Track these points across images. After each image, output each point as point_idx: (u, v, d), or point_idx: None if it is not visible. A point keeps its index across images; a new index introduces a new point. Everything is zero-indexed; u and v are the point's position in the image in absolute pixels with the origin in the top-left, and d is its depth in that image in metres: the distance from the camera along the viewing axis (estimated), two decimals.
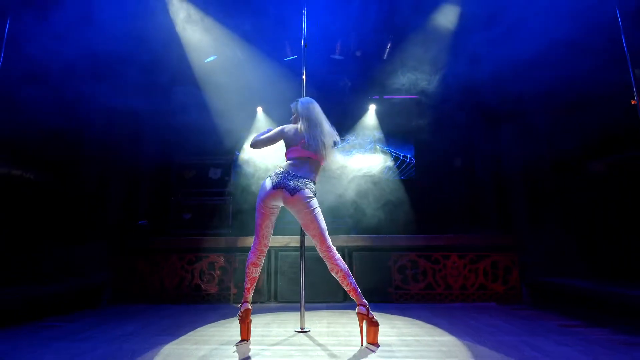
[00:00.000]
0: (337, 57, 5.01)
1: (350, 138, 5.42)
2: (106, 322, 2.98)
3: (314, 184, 2.39)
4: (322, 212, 2.34)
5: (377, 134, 5.49)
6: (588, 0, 3.43)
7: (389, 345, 2.25)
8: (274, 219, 2.41)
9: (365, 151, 5.44)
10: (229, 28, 4.59)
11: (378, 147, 5.51)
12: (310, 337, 2.47)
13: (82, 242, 4.25)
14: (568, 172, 4.29)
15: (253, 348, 2.21)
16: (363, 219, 4.74)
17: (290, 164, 2.40)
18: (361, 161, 5.30)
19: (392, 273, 3.91)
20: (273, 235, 2.46)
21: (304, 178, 2.33)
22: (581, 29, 3.43)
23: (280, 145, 2.58)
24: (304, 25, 3.22)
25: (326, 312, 3.34)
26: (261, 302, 3.88)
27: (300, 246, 2.86)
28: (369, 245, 4.00)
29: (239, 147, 5.19)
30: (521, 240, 4.07)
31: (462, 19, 4.43)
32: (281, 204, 2.36)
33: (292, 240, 3.98)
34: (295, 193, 2.27)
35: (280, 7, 4.18)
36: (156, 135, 5.04)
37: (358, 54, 5.09)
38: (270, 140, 2.53)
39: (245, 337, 2.29)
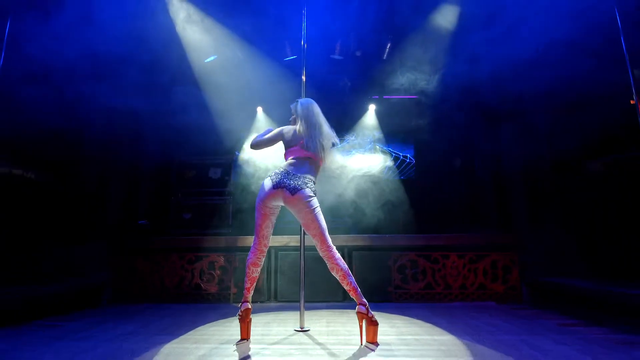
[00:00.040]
0: (336, 57, 5.02)
1: (350, 138, 5.42)
2: (106, 321, 2.98)
3: (314, 183, 2.39)
4: (322, 211, 2.34)
5: (377, 133, 5.49)
6: (587, 0, 3.43)
7: (389, 344, 2.26)
8: (274, 219, 2.41)
9: (365, 151, 5.44)
10: (229, 28, 4.60)
11: (378, 147, 5.51)
12: (310, 336, 2.48)
13: (82, 242, 4.25)
14: (568, 171, 4.29)
15: (253, 347, 2.22)
16: (363, 219, 4.74)
17: (289, 164, 2.41)
18: (361, 161, 5.30)
19: (392, 272, 3.91)
20: (273, 234, 2.46)
21: (304, 177, 2.33)
22: (581, 29, 3.43)
23: (281, 144, 2.59)
24: (304, 25, 3.23)
25: (326, 312, 3.35)
26: (261, 302, 3.88)
27: (300, 246, 2.87)
28: (368, 245, 4.00)
29: (239, 147, 5.20)
30: (521, 240, 4.07)
31: (462, 19, 4.44)
32: (281, 203, 2.36)
33: (291, 240, 3.99)
34: (295, 192, 2.27)
35: (280, 7, 4.19)
36: (156, 135, 5.04)
37: (358, 54, 5.10)
38: (270, 142, 2.54)
39: (245, 336, 2.29)
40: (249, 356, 2.05)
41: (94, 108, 4.39)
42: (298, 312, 2.78)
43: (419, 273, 3.91)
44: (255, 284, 2.38)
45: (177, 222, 4.79)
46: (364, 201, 4.66)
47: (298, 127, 2.47)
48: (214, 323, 2.92)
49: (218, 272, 3.99)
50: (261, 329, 2.70)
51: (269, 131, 2.60)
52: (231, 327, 2.74)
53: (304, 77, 3.09)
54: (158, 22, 4.20)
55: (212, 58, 4.86)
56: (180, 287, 3.99)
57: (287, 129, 2.54)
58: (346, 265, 2.27)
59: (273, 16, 4.35)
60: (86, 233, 4.35)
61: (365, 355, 2.05)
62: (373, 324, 2.19)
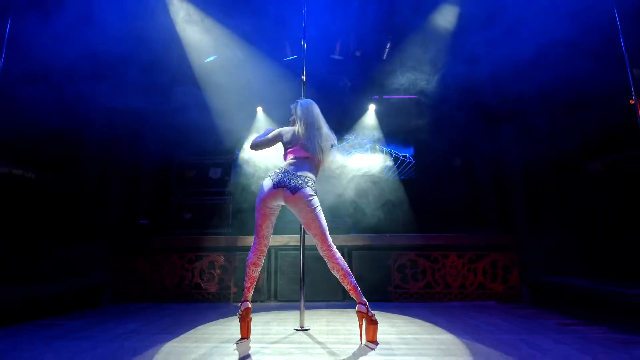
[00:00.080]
0: (336, 57, 5.03)
1: (350, 138, 5.42)
2: (107, 321, 2.98)
3: (314, 182, 2.40)
4: (322, 211, 2.34)
5: (377, 133, 5.50)
6: (587, 0, 3.44)
7: (388, 343, 2.26)
8: (274, 219, 2.41)
9: (364, 151, 5.45)
10: (229, 28, 4.61)
11: (378, 146, 5.52)
12: (310, 336, 2.48)
13: (82, 242, 4.26)
14: (568, 172, 4.29)
15: (253, 346, 2.22)
16: (363, 219, 4.75)
17: (289, 164, 2.41)
18: (361, 161, 5.30)
19: (392, 272, 3.92)
20: (273, 234, 2.46)
21: (304, 176, 2.34)
22: (580, 29, 3.44)
23: (280, 145, 2.60)
24: (304, 25, 3.23)
25: (326, 311, 3.35)
26: (261, 301, 3.89)
27: (300, 245, 2.87)
28: (368, 245, 4.01)
29: (239, 147, 5.20)
30: (521, 240, 4.07)
31: (461, 19, 4.45)
32: (282, 203, 2.36)
33: (291, 240, 3.99)
34: (296, 192, 2.27)
35: (280, 7, 4.19)
36: (156, 135, 5.05)
37: (358, 54, 5.10)
38: (269, 143, 2.56)
39: (245, 335, 2.30)
40: (249, 355, 2.05)
41: (94, 108, 4.40)
42: (298, 312, 2.78)
43: (419, 273, 3.91)
44: (255, 283, 2.38)
45: (177, 222, 4.80)
46: (363, 201, 4.66)
47: (297, 128, 2.48)
48: (214, 322, 2.92)
49: (218, 271, 3.99)
50: (261, 328, 2.70)
51: (269, 131, 2.61)
52: (231, 326, 2.74)
53: (304, 77, 3.10)
54: (158, 22, 4.21)
55: (212, 58, 4.86)
56: (181, 287, 3.99)
57: (286, 130, 2.55)
58: (347, 265, 2.28)
59: (273, 16, 4.36)
60: (86, 233, 4.35)
61: (365, 354, 2.06)
62: (373, 323, 2.19)
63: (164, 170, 5.13)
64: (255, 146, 2.57)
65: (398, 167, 5.54)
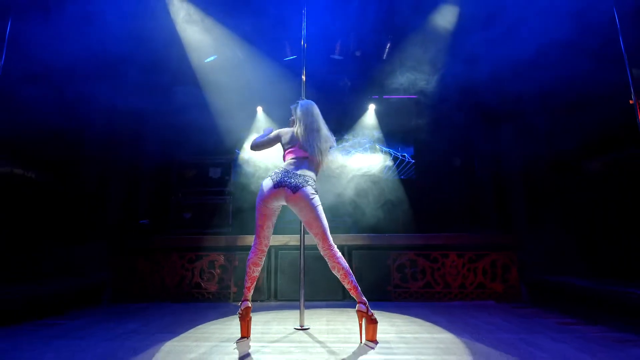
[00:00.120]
0: (336, 57, 5.03)
1: (350, 137, 5.43)
2: (107, 320, 2.99)
3: (315, 181, 2.40)
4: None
5: (377, 133, 5.50)
6: (587, 0, 3.45)
7: (388, 342, 2.27)
8: (274, 219, 2.42)
9: (364, 151, 5.45)
10: (229, 28, 4.61)
11: (377, 146, 5.52)
12: (310, 335, 2.49)
13: (82, 242, 4.26)
14: (568, 171, 4.30)
15: (253, 345, 2.23)
16: (362, 218, 4.76)
17: (289, 164, 2.42)
18: (361, 161, 5.31)
19: (391, 272, 3.92)
20: (273, 234, 2.47)
21: (305, 176, 2.34)
22: (580, 29, 3.44)
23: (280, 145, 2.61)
24: (304, 25, 3.24)
25: (325, 310, 3.35)
26: (261, 301, 3.89)
27: (300, 245, 2.87)
28: (368, 244, 4.01)
29: (239, 147, 5.21)
30: (521, 240, 4.08)
31: (461, 19, 4.45)
32: (283, 202, 2.36)
33: (291, 239, 3.99)
34: (297, 190, 2.28)
35: (280, 7, 4.20)
36: (156, 135, 5.06)
37: (357, 54, 5.11)
38: (268, 143, 2.59)
39: (245, 334, 2.31)
40: (249, 354, 2.06)
41: (94, 108, 4.40)
42: (298, 311, 2.79)
43: (419, 272, 3.92)
44: (255, 283, 2.39)
45: (177, 222, 4.80)
46: (363, 201, 4.67)
47: (296, 129, 2.49)
48: (215, 321, 2.93)
49: (218, 271, 4.00)
50: (261, 327, 2.70)
51: (268, 131, 2.63)
52: (231, 326, 2.75)
53: (304, 77, 3.10)
54: (158, 22, 4.21)
55: (212, 58, 4.87)
56: (181, 287, 3.99)
57: (285, 131, 2.57)
58: (347, 264, 2.28)
59: (273, 16, 4.36)
60: (86, 233, 4.36)
61: (364, 353, 2.06)
62: (373, 322, 2.20)
63: (164, 170, 5.13)
64: (255, 147, 2.60)
65: (398, 167, 5.55)
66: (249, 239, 3.98)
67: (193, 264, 4.03)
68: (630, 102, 3.14)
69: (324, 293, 3.82)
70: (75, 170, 4.45)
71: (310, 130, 2.46)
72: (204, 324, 2.83)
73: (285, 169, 2.38)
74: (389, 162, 5.48)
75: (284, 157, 2.53)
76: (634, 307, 2.75)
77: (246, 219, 4.75)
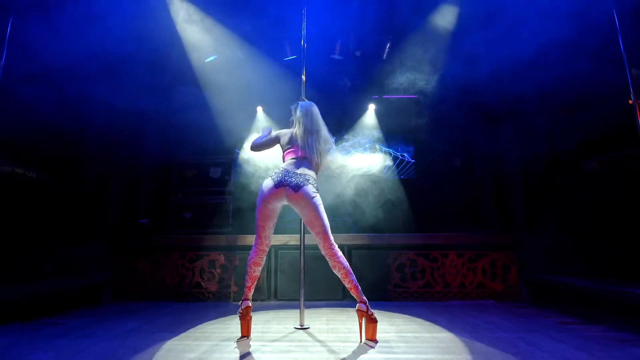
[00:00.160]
0: (336, 57, 5.03)
1: (350, 137, 5.43)
2: (107, 319, 2.99)
3: (315, 180, 2.40)
4: None
5: (377, 133, 5.50)
6: (586, 0, 3.45)
7: (388, 341, 2.27)
8: (275, 219, 2.42)
9: (364, 150, 5.45)
10: (229, 28, 4.61)
11: (377, 146, 5.52)
12: (310, 334, 2.49)
13: (82, 242, 4.26)
14: (567, 171, 4.30)
15: (253, 344, 2.23)
16: (362, 218, 4.76)
17: (289, 163, 2.43)
18: (360, 160, 5.31)
19: (391, 271, 3.93)
20: (273, 233, 2.47)
21: (305, 175, 2.35)
22: (580, 29, 3.45)
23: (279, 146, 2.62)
24: (304, 25, 3.24)
25: (325, 310, 3.36)
26: (261, 300, 3.90)
27: (300, 244, 2.88)
28: (368, 244, 4.02)
29: (239, 147, 5.21)
30: (520, 240, 4.08)
31: (461, 19, 4.45)
32: (284, 202, 2.36)
33: (291, 239, 4.00)
34: (298, 189, 2.28)
35: (280, 7, 4.20)
36: (157, 134, 5.06)
37: (357, 54, 5.11)
38: (268, 144, 2.60)
39: (245, 333, 2.31)
40: (249, 353, 2.07)
41: (94, 108, 4.40)
42: (298, 310, 2.79)
43: (418, 272, 3.92)
44: (256, 282, 2.39)
45: (178, 222, 4.81)
46: (363, 200, 4.67)
47: (295, 130, 2.50)
48: (215, 321, 2.93)
49: (218, 270, 4.00)
50: (261, 326, 2.71)
51: (268, 131, 2.64)
52: (232, 325, 2.75)
53: (304, 77, 3.11)
54: (159, 22, 4.21)
55: (212, 58, 4.87)
56: (181, 286, 4.00)
57: (284, 132, 2.58)
58: (348, 264, 2.29)
59: (273, 16, 4.36)
60: (86, 233, 4.35)
61: (364, 352, 2.07)
62: (373, 321, 2.21)
63: (164, 170, 5.14)
64: (255, 148, 2.61)
65: (397, 167, 5.55)
66: (249, 239, 3.99)
67: (193, 264, 4.04)
68: (630, 102, 3.14)
69: (324, 292, 3.83)
70: (75, 170, 4.45)
71: (310, 131, 2.46)
72: (204, 323, 2.83)
73: (285, 168, 2.38)
74: (388, 162, 5.48)
75: (283, 157, 2.54)
76: (633, 307, 2.75)
77: (246, 219, 4.76)
